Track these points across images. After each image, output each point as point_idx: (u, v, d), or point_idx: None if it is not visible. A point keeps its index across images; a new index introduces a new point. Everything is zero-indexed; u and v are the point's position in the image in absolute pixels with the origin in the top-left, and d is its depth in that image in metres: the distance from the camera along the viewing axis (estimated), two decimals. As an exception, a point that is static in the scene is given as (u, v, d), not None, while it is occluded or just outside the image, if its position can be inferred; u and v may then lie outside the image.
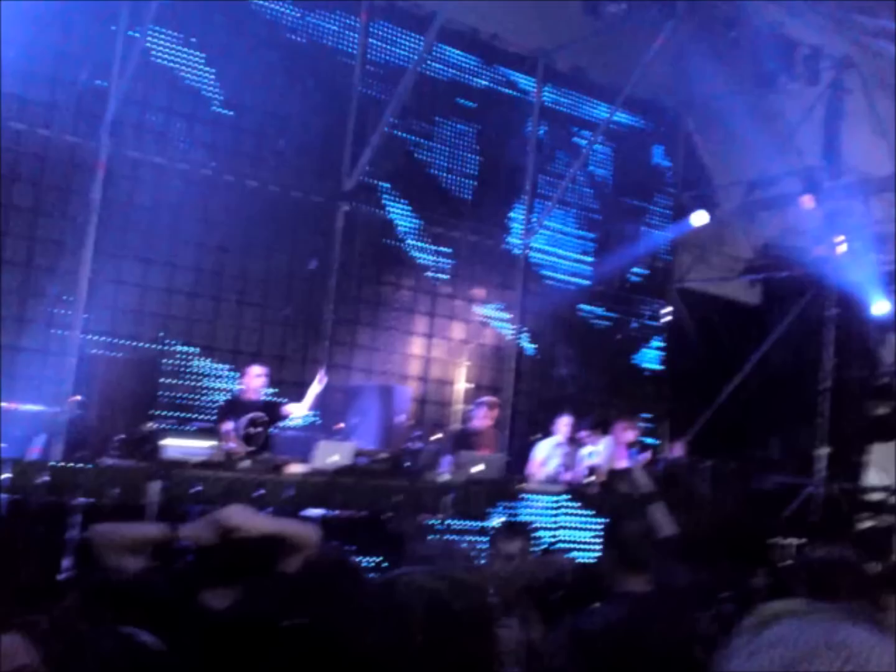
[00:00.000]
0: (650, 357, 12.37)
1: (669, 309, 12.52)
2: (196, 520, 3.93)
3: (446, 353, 10.82)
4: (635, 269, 12.32)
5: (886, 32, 11.25)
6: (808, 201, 11.42)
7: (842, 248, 11.17)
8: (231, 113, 9.46)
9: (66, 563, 5.12)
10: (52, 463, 6.13)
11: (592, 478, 8.26)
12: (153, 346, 8.87)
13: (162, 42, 9.03)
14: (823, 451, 10.71)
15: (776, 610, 1.50)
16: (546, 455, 9.07)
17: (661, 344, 12.45)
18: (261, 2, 9.64)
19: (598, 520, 7.32)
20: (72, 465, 6.03)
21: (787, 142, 11.68)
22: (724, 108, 11.75)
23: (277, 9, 9.76)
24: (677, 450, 10.32)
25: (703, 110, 12.26)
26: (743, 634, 1.39)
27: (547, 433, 9.33)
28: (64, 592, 3.64)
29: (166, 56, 9.08)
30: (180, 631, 3.13)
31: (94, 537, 3.76)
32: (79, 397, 7.68)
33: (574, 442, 9.19)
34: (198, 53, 9.25)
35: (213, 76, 9.33)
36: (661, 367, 12.40)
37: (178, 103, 9.23)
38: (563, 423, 9.17)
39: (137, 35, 8.51)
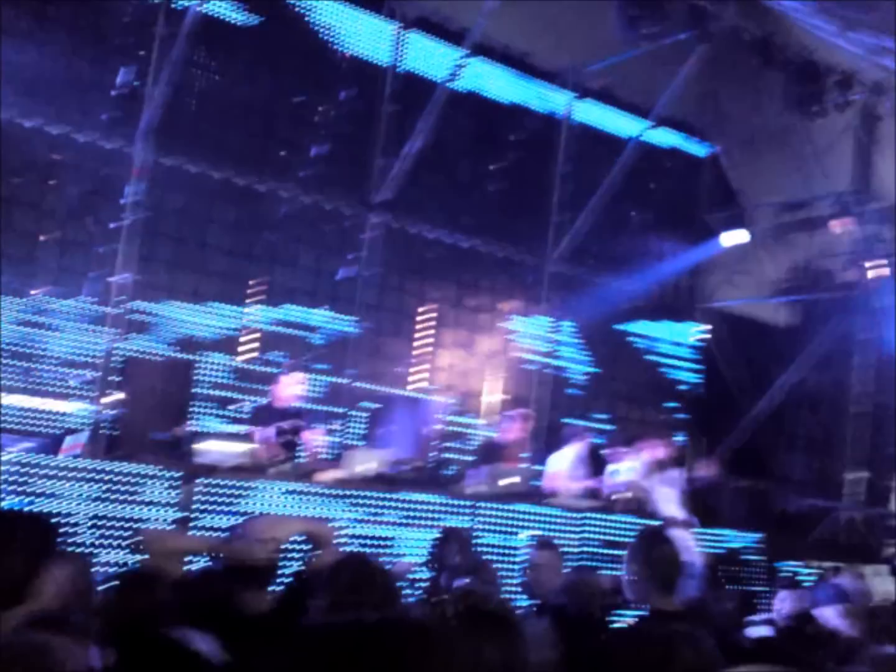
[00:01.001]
0: (681, 375, 12.35)
1: (700, 328, 12.50)
2: (233, 535, 3.98)
3: (476, 365, 10.84)
4: (665, 288, 12.31)
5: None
6: (840, 224, 11.39)
7: (876, 272, 11.12)
8: (263, 122, 9.54)
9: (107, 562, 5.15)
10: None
11: (628, 495, 8.22)
12: (188, 349, 8.95)
13: (197, 50, 9.12)
14: (860, 475, 10.63)
15: None
16: (571, 468, 9.00)
17: (692, 363, 12.42)
18: (295, 12, 9.71)
19: (629, 537, 7.27)
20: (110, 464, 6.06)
21: (817, 165, 11.67)
22: (755, 130, 11.76)
23: (311, 19, 9.83)
24: (708, 469, 10.24)
25: (734, 131, 12.27)
26: None
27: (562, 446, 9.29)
28: (109, 594, 3.66)
29: (201, 64, 9.18)
30: (223, 633, 3.14)
31: (142, 542, 3.80)
32: (116, 397, 7.76)
33: (595, 455, 9.14)
34: (231, 62, 9.34)
35: (246, 85, 9.41)
36: (692, 386, 12.37)
37: (211, 112, 9.30)
38: (585, 436, 9.15)
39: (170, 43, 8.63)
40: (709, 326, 12.49)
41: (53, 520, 3.39)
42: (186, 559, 3.87)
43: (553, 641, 3.82)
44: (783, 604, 5.60)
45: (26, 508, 5.09)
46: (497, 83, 11.09)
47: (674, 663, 2.83)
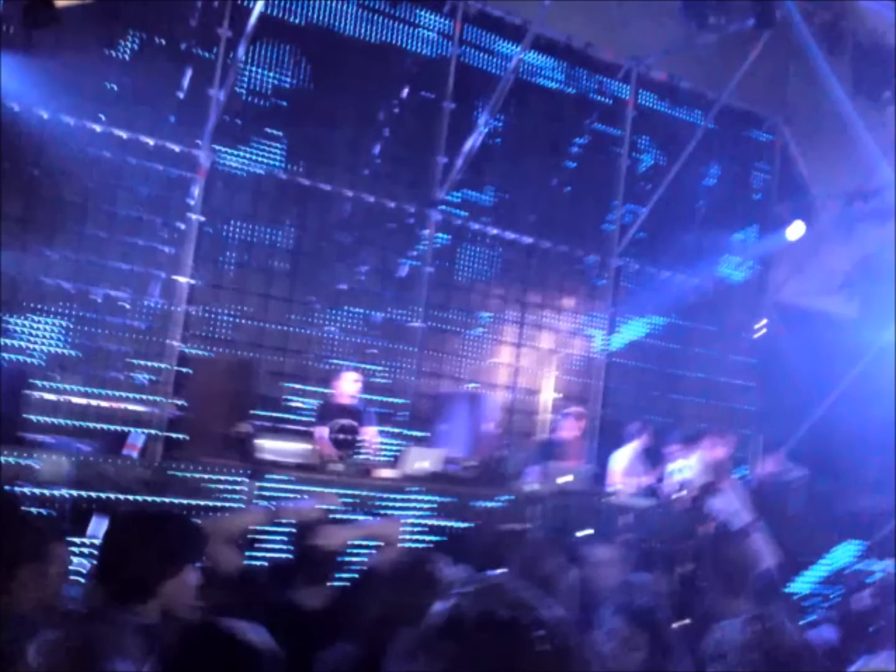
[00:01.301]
0: (744, 370, 12.14)
1: (764, 321, 12.29)
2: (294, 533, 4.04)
3: (535, 362, 10.82)
4: (730, 281, 12.13)
5: None
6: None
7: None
8: (326, 122, 9.62)
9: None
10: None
11: (683, 493, 8.14)
12: (249, 349, 9.11)
13: (260, 52, 9.24)
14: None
15: None
16: (629, 465, 8.97)
17: (756, 357, 12.21)
18: (355, 10, 9.78)
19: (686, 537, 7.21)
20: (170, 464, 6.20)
21: (887, 153, 11.35)
22: (823, 118, 11.49)
23: (371, 17, 9.90)
24: (770, 466, 10.09)
25: (801, 120, 12.01)
26: None
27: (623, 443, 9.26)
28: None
29: (264, 65, 9.30)
30: (278, 628, 3.19)
31: (202, 527, 3.87)
32: (180, 397, 7.93)
33: (652, 452, 9.09)
34: (293, 62, 9.44)
35: (309, 85, 9.51)
36: (755, 381, 12.16)
37: (274, 112, 9.42)
38: (643, 433, 9.11)
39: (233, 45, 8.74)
40: (776, 319, 12.25)
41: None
42: (244, 553, 3.94)
43: (637, 641, 3.78)
44: (848, 605, 5.51)
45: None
46: (558, 76, 11.03)
47: (782, 636, 2.81)
